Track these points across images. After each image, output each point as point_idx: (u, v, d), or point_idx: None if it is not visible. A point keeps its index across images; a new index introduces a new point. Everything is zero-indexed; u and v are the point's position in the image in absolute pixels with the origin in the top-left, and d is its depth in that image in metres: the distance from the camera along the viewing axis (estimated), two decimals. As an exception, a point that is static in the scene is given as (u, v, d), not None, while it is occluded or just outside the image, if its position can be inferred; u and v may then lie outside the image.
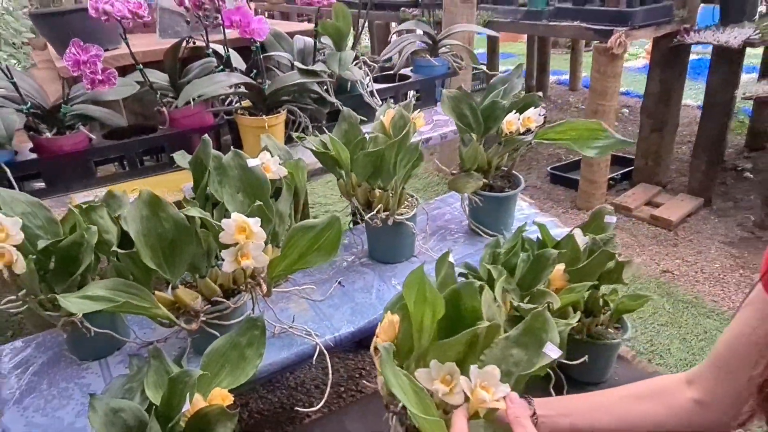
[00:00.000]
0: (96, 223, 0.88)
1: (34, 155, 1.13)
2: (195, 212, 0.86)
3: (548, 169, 3.18)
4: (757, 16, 2.27)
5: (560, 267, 1.08)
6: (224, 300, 0.93)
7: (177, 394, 0.75)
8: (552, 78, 5.34)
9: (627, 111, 4.35)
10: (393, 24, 4.23)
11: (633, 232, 2.45)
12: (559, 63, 5.76)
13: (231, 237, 0.83)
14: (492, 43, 4.91)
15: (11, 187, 1.06)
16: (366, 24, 3.60)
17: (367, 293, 1.15)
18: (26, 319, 1.21)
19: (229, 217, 0.83)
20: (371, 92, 1.45)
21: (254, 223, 0.83)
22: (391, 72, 1.62)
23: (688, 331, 1.79)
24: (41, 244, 0.83)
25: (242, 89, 1.16)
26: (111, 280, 0.84)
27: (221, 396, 0.77)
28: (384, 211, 1.15)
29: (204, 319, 0.91)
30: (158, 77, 1.25)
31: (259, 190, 0.97)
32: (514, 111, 1.22)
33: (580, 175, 2.72)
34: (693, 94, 4.40)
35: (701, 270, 2.14)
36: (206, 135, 1.05)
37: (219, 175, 0.99)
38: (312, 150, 1.15)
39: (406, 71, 1.64)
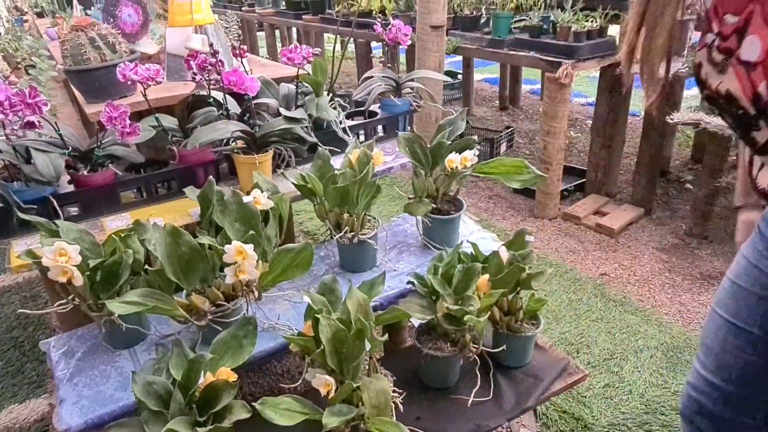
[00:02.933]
0: (130, 247, 1.17)
1: (71, 187, 1.41)
2: (205, 240, 1.15)
3: (512, 179, 3.50)
4: (686, 51, 2.60)
5: (485, 277, 1.39)
6: (225, 303, 1.22)
7: (194, 371, 1.05)
8: (525, 87, 5.64)
9: (591, 122, 4.64)
10: (374, 44, 4.51)
11: (580, 238, 2.78)
12: (533, 72, 6.05)
13: (232, 257, 1.13)
14: (468, 54, 5.20)
15: (56, 213, 1.35)
16: (349, 41, 3.88)
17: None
18: (59, 321, 1.50)
19: (231, 243, 1.13)
20: (344, 129, 1.76)
21: (249, 248, 1.13)
22: (363, 108, 1.92)
23: (614, 325, 2.12)
24: (91, 263, 1.12)
25: (238, 134, 1.46)
26: (142, 290, 1.13)
27: (226, 373, 1.07)
28: (350, 231, 1.45)
29: (210, 318, 1.21)
30: (168, 121, 1.53)
31: (252, 220, 1.26)
32: (455, 151, 1.53)
33: (536, 186, 3.04)
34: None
35: (633, 273, 2.47)
36: (211, 177, 1.34)
37: (221, 207, 1.28)
38: (293, 183, 1.45)
39: (375, 107, 1.94)
